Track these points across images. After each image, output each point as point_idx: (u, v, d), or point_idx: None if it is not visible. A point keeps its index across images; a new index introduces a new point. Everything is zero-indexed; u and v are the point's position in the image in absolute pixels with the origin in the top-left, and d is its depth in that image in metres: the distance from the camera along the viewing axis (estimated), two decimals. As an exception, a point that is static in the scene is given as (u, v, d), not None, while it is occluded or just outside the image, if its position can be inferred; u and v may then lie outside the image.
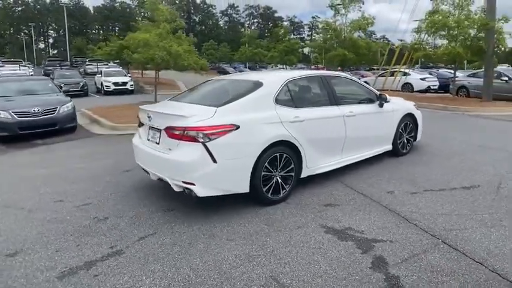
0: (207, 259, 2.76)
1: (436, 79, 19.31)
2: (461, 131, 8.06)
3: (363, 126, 4.71)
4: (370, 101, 4.99)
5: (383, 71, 21.72)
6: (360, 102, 4.87)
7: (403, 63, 18.84)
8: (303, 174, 4.05)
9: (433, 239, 2.96)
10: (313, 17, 52.16)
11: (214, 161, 3.27)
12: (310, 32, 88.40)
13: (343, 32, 20.21)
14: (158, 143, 3.66)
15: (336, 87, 4.59)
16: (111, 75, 22.07)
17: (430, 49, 13.26)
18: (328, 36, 21.19)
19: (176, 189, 3.43)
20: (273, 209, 3.66)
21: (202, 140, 3.24)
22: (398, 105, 5.39)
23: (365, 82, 23.07)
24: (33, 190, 4.42)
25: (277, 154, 3.70)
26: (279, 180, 3.77)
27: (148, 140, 3.86)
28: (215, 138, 3.28)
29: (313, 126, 4.03)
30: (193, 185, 3.27)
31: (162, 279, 2.51)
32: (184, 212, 3.64)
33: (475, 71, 15.97)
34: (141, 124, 4.08)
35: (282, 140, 3.72)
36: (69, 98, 8.98)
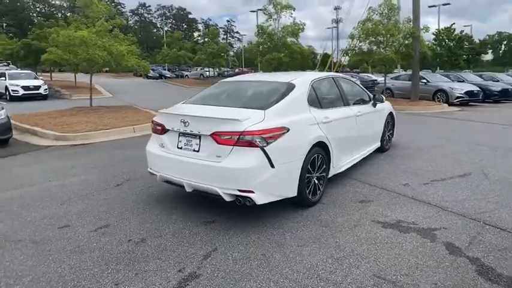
0: (297, 268, 2.66)
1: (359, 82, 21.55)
2: (415, 127, 9.21)
3: (366, 126, 5.06)
4: (366, 101, 5.38)
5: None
6: (360, 103, 5.21)
7: (336, 68, 20.57)
8: (330, 174, 4.16)
9: (475, 222, 3.36)
10: (228, 21, 52.91)
11: (272, 165, 3.16)
12: (225, 36, 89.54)
13: (276, 37, 21.08)
14: (198, 151, 3.37)
15: (344, 88, 4.84)
16: (19, 78, 19.15)
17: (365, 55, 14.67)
18: (262, 40, 21.88)
19: (228, 199, 3.20)
20: (316, 211, 3.68)
21: (260, 145, 3.11)
22: (384, 105, 5.92)
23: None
24: (16, 217, 3.64)
25: (315, 155, 3.74)
26: (316, 182, 3.82)
27: (180, 148, 3.52)
28: (271, 142, 3.17)
29: (337, 126, 4.18)
30: (252, 192, 3.11)
31: (268, 295, 2.35)
32: (227, 222, 3.42)
33: (397, 74, 18.29)
34: (162, 131, 3.68)
35: (319, 141, 3.78)
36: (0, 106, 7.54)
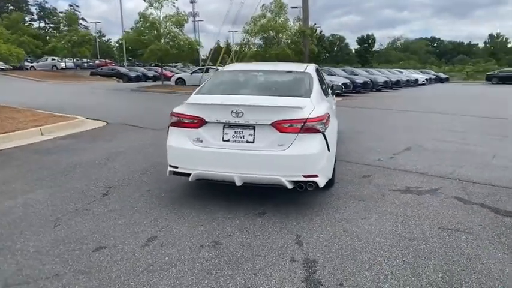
0: (378, 234, 3.02)
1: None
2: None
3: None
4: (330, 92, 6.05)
5: (199, 68, 23.34)
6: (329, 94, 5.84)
7: (220, 62, 21.10)
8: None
9: (454, 180, 4.42)
10: (70, 5, 45.81)
11: (328, 149, 3.40)
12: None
13: (161, 26, 20.16)
14: (253, 142, 3.28)
15: (324, 79, 5.36)
16: None
17: (257, 49, 15.67)
18: (143, 28, 20.55)
19: (290, 186, 3.26)
20: (338, 190, 4.10)
21: (321, 130, 3.30)
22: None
23: (179, 78, 24.09)
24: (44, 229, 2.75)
25: (333, 140, 4.15)
26: (332, 165, 4.23)
27: (227, 140, 3.33)
28: (327, 128, 3.40)
29: (332, 114, 4.67)
30: (317, 176, 3.28)
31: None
32: (280, 212, 3.47)
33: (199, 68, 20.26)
34: (199, 124, 3.37)
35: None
36: None
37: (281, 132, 3.24)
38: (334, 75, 19.92)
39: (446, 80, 38.13)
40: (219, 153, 3.34)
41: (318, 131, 3.28)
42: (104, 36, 64.25)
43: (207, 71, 21.98)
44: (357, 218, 3.35)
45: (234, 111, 3.28)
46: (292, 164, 3.25)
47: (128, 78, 29.59)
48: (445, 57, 72.03)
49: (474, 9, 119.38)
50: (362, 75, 21.63)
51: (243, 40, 16.07)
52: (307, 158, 3.24)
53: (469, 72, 44.05)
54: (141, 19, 19.91)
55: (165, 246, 2.83)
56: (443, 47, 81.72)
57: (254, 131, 3.30)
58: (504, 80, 31.21)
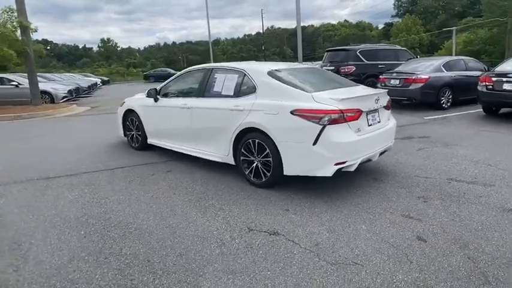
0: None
1: None
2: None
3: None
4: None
5: None
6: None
7: None
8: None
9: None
10: None
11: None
12: None
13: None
14: (380, 121, 4.05)
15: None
16: None
17: None
18: None
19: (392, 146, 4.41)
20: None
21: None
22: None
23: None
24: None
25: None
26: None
27: (370, 125, 3.86)
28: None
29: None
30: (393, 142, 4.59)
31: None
32: (312, 197, 3.76)
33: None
34: (359, 115, 3.68)
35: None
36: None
37: (387, 110, 4.30)
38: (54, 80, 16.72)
39: (108, 82, 40.60)
40: (371, 136, 3.84)
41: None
42: None
43: None
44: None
45: (376, 98, 3.92)
46: (394, 132, 4.43)
47: None
48: (62, 61, 73.72)
49: (71, 13, 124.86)
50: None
51: None
52: (394, 127, 4.53)
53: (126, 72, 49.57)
54: None
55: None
56: (58, 50, 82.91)
57: (378, 112, 4.10)
58: (159, 78, 38.20)
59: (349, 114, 3.60)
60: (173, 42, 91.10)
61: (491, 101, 7.66)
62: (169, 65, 57.01)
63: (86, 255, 2.77)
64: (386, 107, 4.26)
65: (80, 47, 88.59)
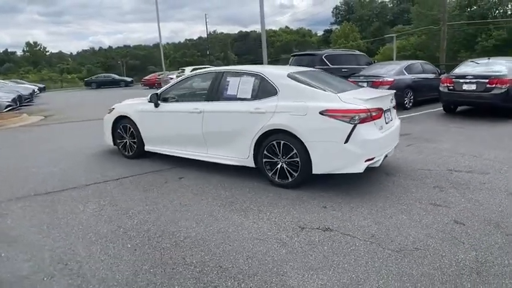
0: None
1: None
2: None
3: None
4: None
5: None
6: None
7: None
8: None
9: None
10: None
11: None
12: None
13: None
14: (392, 119, 4.39)
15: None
16: None
17: None
18: None
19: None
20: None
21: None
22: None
23: None
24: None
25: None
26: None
27: (387, 123, 4.16)
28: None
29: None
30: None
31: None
32: (341, 193, 4.03)
33: None
34: (382, 113, 3.98)
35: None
36: None
37: (395, 109, 4.65)
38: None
39: (44, 89, 37.37)
40: (390, 133, 4.15)
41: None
42: None
43: None
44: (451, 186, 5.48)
45: (391, 98, 4.24)
46: (399, 129, 4.80)
47: None
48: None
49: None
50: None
51: None
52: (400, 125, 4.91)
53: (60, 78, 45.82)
54: None
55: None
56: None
57: (391, 111, 4.42)
58: (102, 84, 36.13)
59: (374, 113, 3.85)
60: (109, 46, 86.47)
61: (452, 100, 8.58)
62: (107, 71, 54.14)
63: (150, 267, 2.65)
64: (394, 107, 4.62)
65: (1, 51, 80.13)
